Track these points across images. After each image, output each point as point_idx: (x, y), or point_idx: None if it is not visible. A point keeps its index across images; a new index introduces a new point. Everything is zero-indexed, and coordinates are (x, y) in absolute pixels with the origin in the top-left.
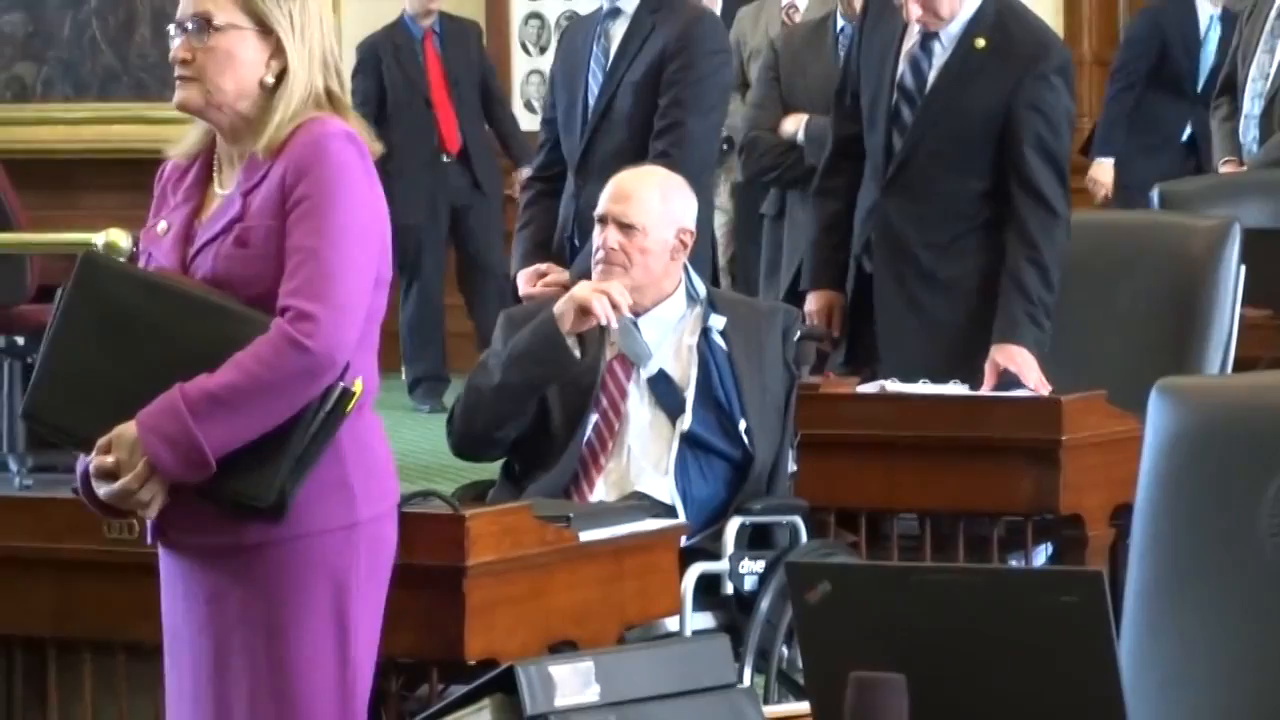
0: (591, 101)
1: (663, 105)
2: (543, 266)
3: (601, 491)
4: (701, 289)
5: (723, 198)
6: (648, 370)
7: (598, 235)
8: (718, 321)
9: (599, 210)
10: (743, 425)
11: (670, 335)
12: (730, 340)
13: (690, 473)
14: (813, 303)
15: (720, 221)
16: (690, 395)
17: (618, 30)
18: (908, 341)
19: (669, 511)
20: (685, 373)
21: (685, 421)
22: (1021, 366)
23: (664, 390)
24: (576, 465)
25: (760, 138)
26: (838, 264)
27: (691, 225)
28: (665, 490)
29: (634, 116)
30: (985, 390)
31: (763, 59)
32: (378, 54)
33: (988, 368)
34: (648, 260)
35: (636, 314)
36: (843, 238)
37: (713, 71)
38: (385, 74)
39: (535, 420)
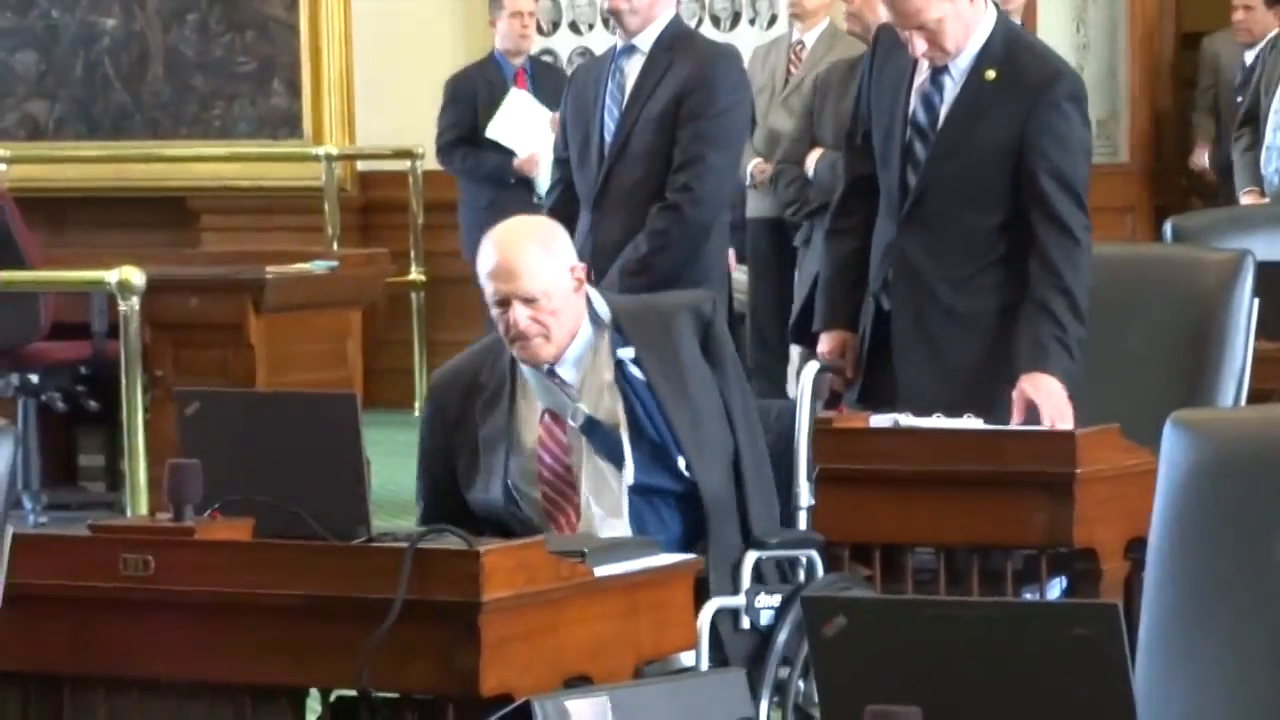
0: (608, 137)
1: (683, 139)
2: None
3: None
4: (604, 308)
5: None
6: (576, 419)
7: (501, 317)
8: (627, 353)
9: (494, 294)
10: (681, 462)
11: (588, 373)
12: (645, 365)
13: (645, 520)
14: (826, 343)
15: None
16: (625, 442)
17: (633, 67)
18: (926, 378)
19: None
20: (613, 411)
21: (629, 474)
22: (1048, 398)
23: (599, 438)
24: (548, 525)
25: (785, 169)
26: (851, 303)
27: (575, 259)
28: (624, 532)
29: (651, 151)
30: (1015, 424)
31: (806, 95)
32: (472, 87)
33: (1015, 398)
34: (560, 317)
35: (551, 364)
36: (856, 277)
37: (733, 106)
38: (478, 108)
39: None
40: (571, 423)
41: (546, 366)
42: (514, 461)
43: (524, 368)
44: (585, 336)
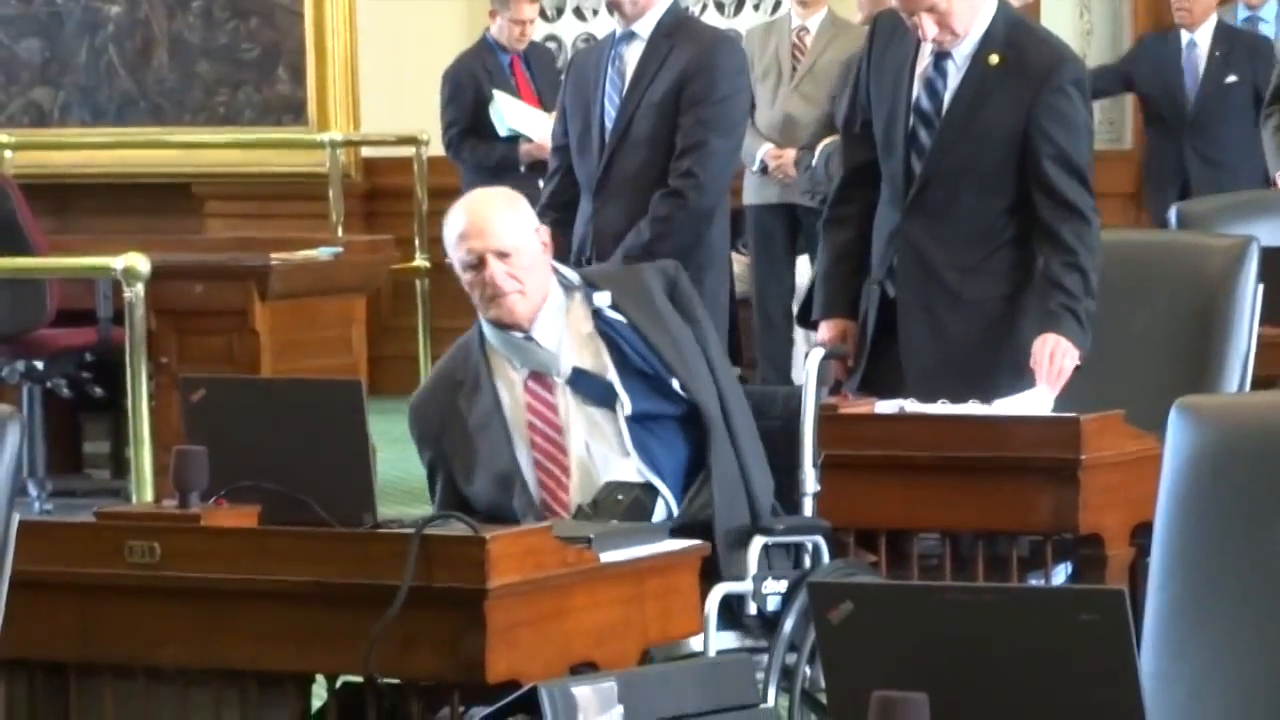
0: (608, 124)
1: (685, 125)
2: None
3: (576, 496)
4: (573, 275)
5: None
6: (563, 374)
7: (476, 280)
8: (603, 299)
9: (466, 255)
10: (675, 384)
11: (565, 332)
12: (624, 308)
13: (652, 449)
14: (826, 331)
15: None
16: (615, 378)
17: (632, 54)
18: (932, 365)
19: (649, 490)
20: (598, 359)
21: (625, 406)
22: (1050, 356)
23: (588, 386)
24: (542, 495)
25: (806, 155)
26: (850, 292)
27: (537, 222)
28: (634, 471)
29: (653, 137)
30: (1041, 383)
31: (822, 79)
32: (471, 76)
33: (1033, 364)
34: (533, 274)
35: (526, 328)
36: (855, 265)
37: (735, 92)
38: (480, 98)
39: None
40: (556, 378)
41: (522, 335)
42: (512, 434)
43: (498, 343)
44: (557, 300)
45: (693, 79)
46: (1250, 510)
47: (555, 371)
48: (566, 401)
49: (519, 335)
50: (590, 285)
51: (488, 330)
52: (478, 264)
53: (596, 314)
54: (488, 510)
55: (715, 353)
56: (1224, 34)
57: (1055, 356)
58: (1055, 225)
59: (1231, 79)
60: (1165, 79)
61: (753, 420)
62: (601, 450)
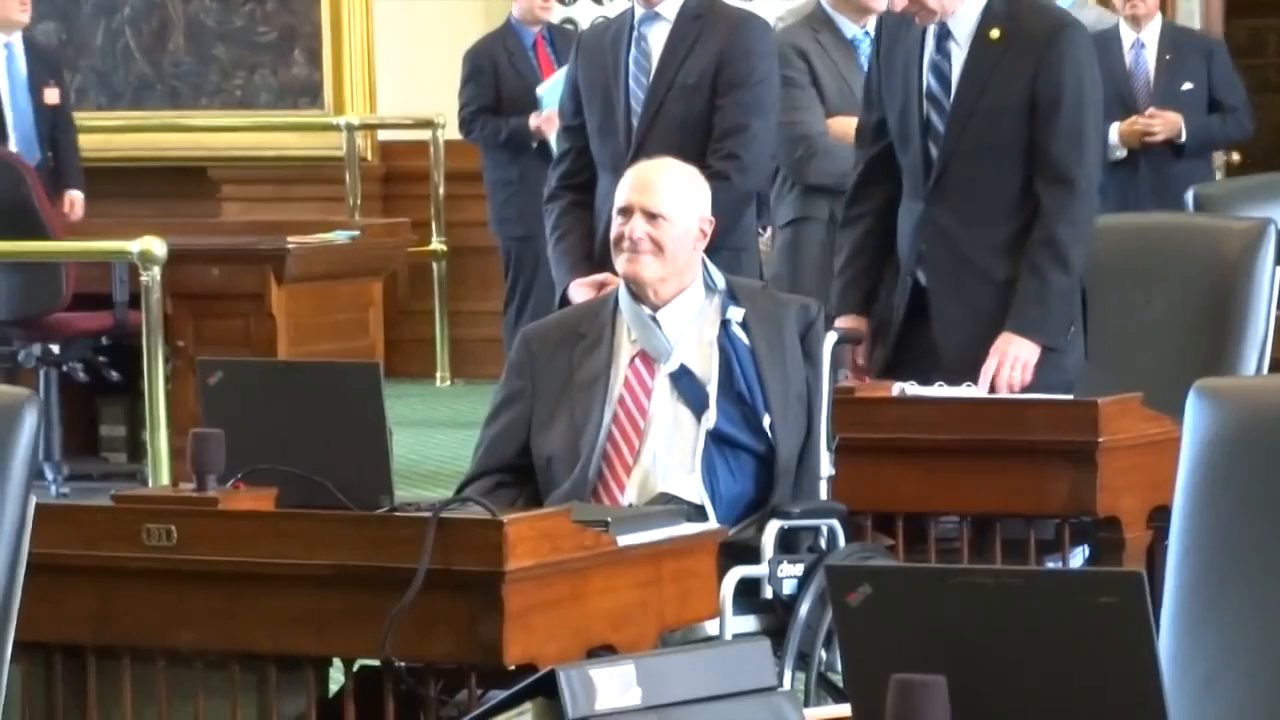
0: (635, 106)
1: (725, 107)
2: (600, 276)
3: (631, 494)
4: (720, 279)
5: None
6: (669, 366)
7: (619, 225)
8: (736, 314)
9: (622, 201)
10: (767, 421)
11: (690, 328)
12: (751, 331)
13: (718, 470)
14: (840, 326)
15: None
16: (713, 390)
17: (657, 36)
18: (969, 347)
19: (698, 512)
20: (707, 366)
21: (710, 419)
22: (1003, 358)
23: (687, 385)
24: (601, 465)
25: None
26: (861, 289)
27: (710, 214)
28: (694, 490)
29: (687, 120)
30: (981, 383)
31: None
32: (491, 57)
33: (984, 366)
34: (674, 249)
35: (656, 307)
36: (867, 263)
37: (770, 73)
38: (500, 78)
39: (549, 436)
40: (662, 366)
41: (650, 314)
42: (606, 404)
43: (626, 312)
44: (697, 295)
45: (729, 62)
46: (1269, 493)
47: (664, 359)
48: (662, 392)
49: (647, 313)
50: (732, 296)
51: (623, 297)
52: (626, 213)
53: (724, 325)
54: (545, 463)
55: (818, 399)
56: (1172, 35)
57: (1005, 361)
58: (1042, 196)
59: (1187, 86)
60: (1113, 87)
61: (823, 468)
62: (668, 461)
